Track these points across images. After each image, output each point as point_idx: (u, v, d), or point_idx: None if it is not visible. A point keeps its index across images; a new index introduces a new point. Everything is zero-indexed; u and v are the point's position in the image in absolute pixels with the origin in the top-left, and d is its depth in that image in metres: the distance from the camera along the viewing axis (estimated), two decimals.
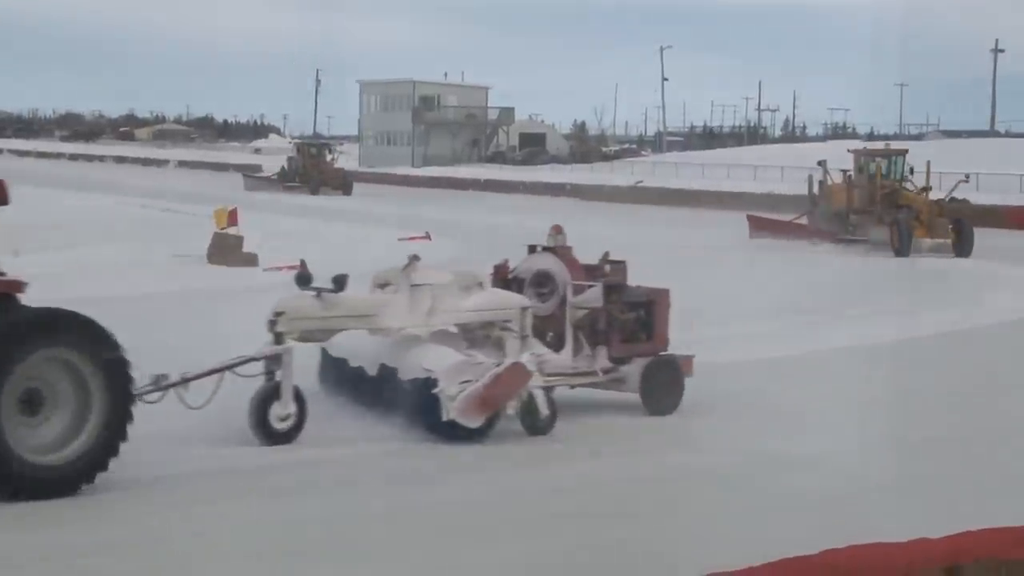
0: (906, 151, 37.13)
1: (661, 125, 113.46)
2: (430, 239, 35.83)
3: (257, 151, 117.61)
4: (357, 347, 12.81)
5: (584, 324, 13.16)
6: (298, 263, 27.86)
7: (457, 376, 11.67)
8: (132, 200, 52.43)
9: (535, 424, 12.01)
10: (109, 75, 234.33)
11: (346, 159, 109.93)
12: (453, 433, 11.53)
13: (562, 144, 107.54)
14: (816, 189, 37.71)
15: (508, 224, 43.25)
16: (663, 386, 13.20)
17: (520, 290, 13.44)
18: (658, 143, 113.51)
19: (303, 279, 12.55)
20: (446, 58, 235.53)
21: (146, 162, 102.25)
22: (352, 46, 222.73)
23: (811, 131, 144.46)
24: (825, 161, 36.93)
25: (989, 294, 25.56)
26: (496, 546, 8.88)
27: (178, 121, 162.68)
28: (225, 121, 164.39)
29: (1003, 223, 43.37)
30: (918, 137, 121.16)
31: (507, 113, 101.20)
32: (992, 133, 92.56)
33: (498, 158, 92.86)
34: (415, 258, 13.02)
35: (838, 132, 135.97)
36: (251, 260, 27.71)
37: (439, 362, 11.84)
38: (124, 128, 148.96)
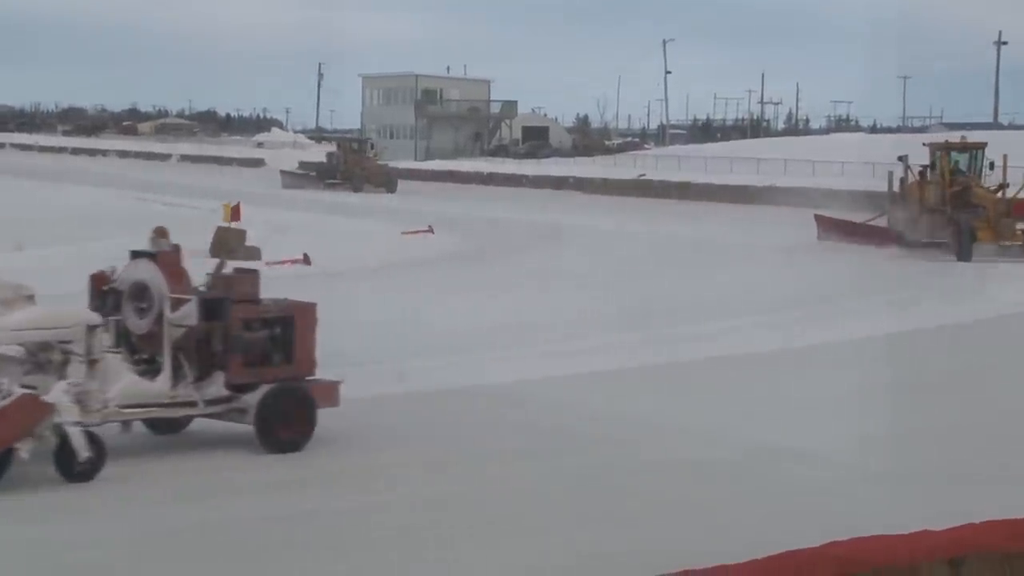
0: (984, 145, 33.01)
1: (664, 118, 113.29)
2: (432, 233, 35.88)
3: (260, 145, 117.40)
4: None
5: (187, 344, 11.17)
6: (301, 257, 28.25)
7: None
8: (137, 195, 52.45)
9: (71, 468, 10.00)
10: (111, 69, 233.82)
11: None
12: None
13: (565, 137, 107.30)
14: (897, 188, 33.60)
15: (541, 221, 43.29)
16: (284, 419, 11.14)
17: (118, 303, 11.42)
18: (661, 136, 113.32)
19: None
20: (448, 52, 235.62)
21: (149, 156, 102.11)
22: (354, 40, 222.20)
23: (814, 124, 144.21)
24: (906, 156, 32.98)
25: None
26: None
27: (180, 115, 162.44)
28: (228, 115, 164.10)
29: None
30: (921, 130, 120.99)
31: (509, 106, 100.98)
32: (995, 125, 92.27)
33: (500, 152, 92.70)
34: None
35: (841, 125, 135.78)
36: (254, 254, 27.75)
37: None
38: (127, 122, 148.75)
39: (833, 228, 34.73)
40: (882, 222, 33.90)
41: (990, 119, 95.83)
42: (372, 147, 67.87)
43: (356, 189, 61.44)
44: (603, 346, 17.35)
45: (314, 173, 66.10)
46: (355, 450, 11.48)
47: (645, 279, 26.21)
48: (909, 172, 33.07)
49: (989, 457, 11.60)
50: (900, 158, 33.22)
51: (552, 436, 12.07)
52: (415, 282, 25.70)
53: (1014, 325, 20.79)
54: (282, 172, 68.32)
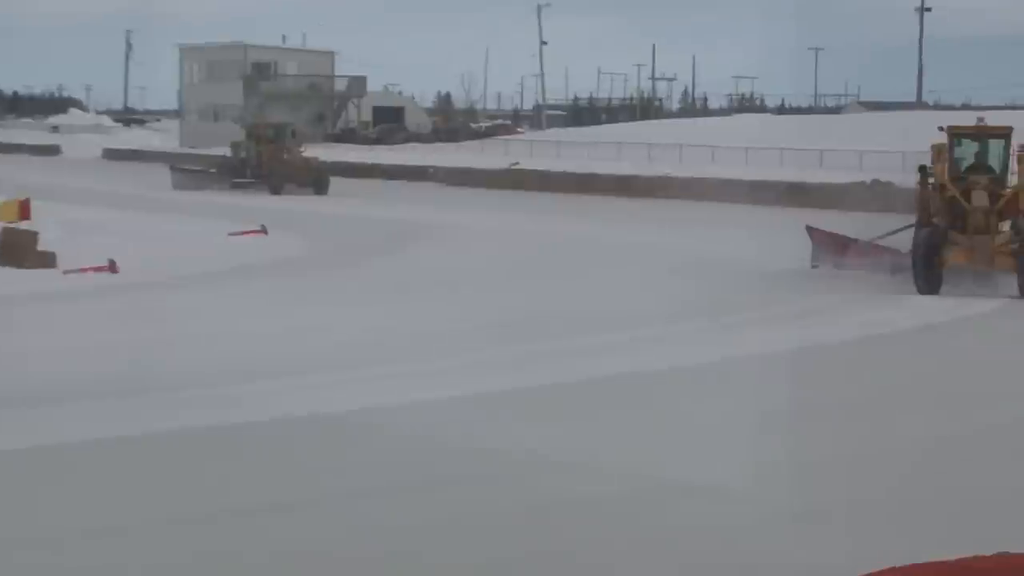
0: (1008, 131, 27.89)
1: (540, 97, 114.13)
2: (265, 233, 35.68)
3: (55, 129, 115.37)
4: None
5: None
6: (106, 264, 27.87)
7: None
8: None
9: None
10: None
11: (162, 138, 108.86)
12: None
13: (423, 119, 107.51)
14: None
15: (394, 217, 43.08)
16: None
17: None
18: (537, 118, 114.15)
19: None
20: (283, 18, 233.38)
21: None
22: (170, 3, 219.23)
23: (713, 103, 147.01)
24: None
25: None
26: None
27: None
28: (15, 94, 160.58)
29: None
30: (836, 110, 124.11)
31: (357, 83, 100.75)
32: (919, 104, 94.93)
33: (348, 136, 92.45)
34: None
35: (744, 104, 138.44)
36: (47, 260, 27.26)
37: None
38: None
39: (827, 245, 29.12)
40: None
41: (913, 97, 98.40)
42: (294, 135, 62.12)
43: (275, 190, 56.57)
44: (471, 365, 17.40)
45: (214, 170, 60.98)
46: (177, 493, 11.34)
47: (518, 286, 26.35)
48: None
49: (904, 490, 11.88)
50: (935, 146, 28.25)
51: (408, 473, 12.04)
52: (243, 293, 25.48)
53: (910, 344, 21.20)
54: (172, 169, 62.54)
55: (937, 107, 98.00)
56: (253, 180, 58.00)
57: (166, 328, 20.47)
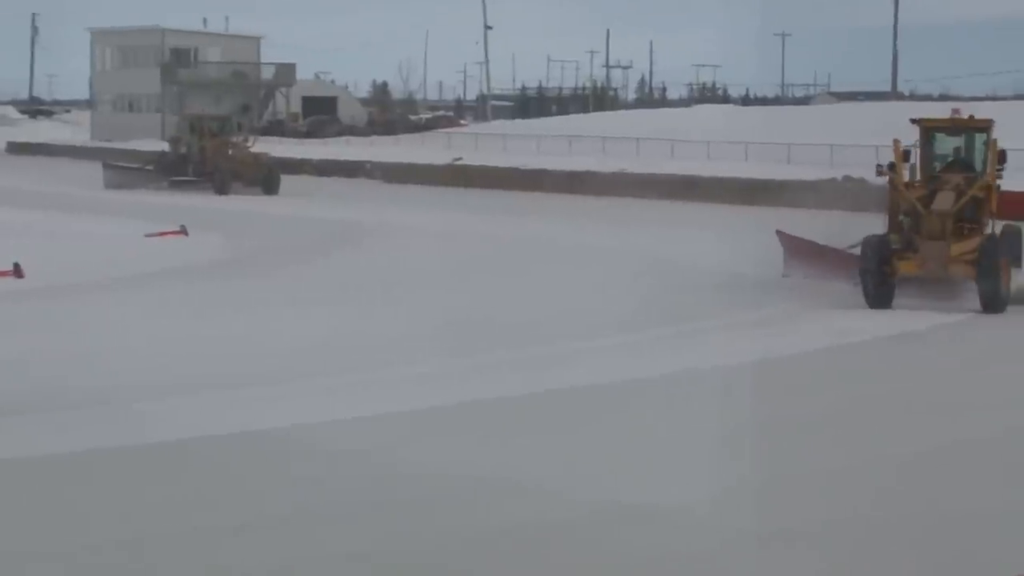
0: (989, 124, 26.93)
1: (484, 86, 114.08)
2: (186, 234, 35.51)
3: None
4: None
5: None
6: (10, 269, 27.67)
7: None
8: None
9: None
10: None
11: (73, 130, 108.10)
12: None
13: (358, 111, 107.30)
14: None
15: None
16: None
17: None
18: (481, 109, 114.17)
19: None
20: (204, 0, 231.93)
21: None
22: None
23: (672, 93, 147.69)
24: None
25: None
26: None
27: None
28: None
29: None
30: (804, 100, 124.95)
31: (286, 71, 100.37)
32: (894, 95, 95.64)
33: (275, 128, 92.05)
34: None
35: (705, 94, 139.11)
36: None
37: None
38: None
39: (807, 255, 28.41)
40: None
41: (888, 87, 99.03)
42: (239, 127, 60.90)
43: (220, 190, 55.00)
44: (416, 377, 17.40)
45: (151, 167, 59.43)
46: (115, 515, 11.31)
47: (466, 291, 26.36)
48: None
49: (879, 509, 11.93)
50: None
51: (346, 496, 12.02)
52: (162, 300, 25.32)
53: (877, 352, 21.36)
54: (105, 166, 60.88)
55: (913, 97, 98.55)
56: (195, 178, 56.68)
57: (75, 338, 20.32)
